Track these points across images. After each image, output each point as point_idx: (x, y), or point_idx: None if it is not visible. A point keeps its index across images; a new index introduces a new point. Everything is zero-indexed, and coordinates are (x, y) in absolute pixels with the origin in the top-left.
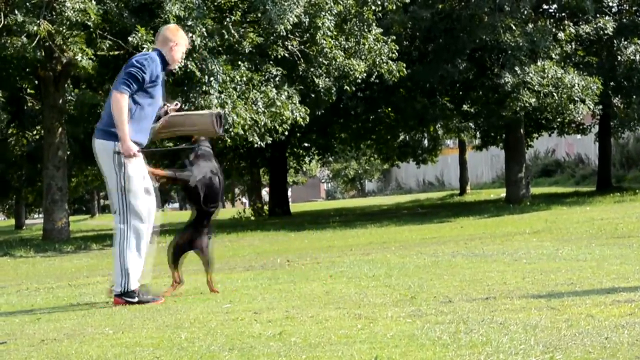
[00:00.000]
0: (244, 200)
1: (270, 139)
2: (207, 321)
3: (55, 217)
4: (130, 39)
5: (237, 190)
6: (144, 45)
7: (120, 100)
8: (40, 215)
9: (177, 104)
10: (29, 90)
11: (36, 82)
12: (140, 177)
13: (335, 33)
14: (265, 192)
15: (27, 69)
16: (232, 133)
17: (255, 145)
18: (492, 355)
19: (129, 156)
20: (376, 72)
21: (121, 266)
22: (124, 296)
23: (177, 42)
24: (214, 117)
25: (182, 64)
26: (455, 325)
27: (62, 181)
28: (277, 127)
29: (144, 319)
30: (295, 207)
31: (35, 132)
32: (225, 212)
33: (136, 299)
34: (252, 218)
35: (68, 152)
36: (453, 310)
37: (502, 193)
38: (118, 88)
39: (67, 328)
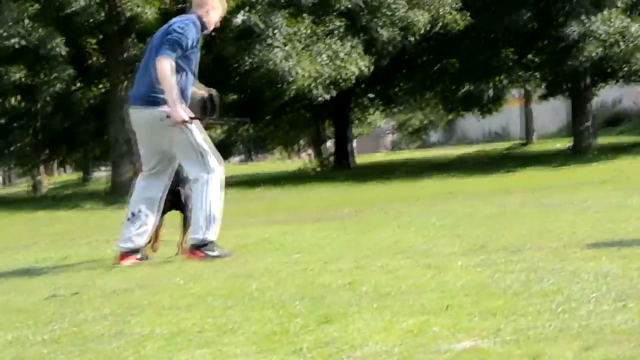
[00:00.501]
0: (309, 152)
1: (335, 92)
2: (276, 271)
3: (121, 170)
4: None
5: (301, 142)
6: None
7: (167, 66)
8: (107, 168)
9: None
10: (93, 46)
11: (100, 37)
12: (203, 134)
13: None
14: (330, 144)
15: (91, 25)
16: (298, 87)
17: (319, 99)
18: (563, 304)
19: (178, 123)
20: (440, 23)
21: (206, 213)
22: (204, 247)
23: (214, 5)
24: (202, 104)
25: (246, 17)
26: (526, 274)
27: (128, 135)
28: (341, 79)
29: (214, 269)
30: (360, 159)
31: (101, 87)
32: (290, 164)
33: (216, 252)
34: (318, 170)
35: None
36: (523, 259)
37: (567, 143)
38: (163, 54)
39: (138, 278)
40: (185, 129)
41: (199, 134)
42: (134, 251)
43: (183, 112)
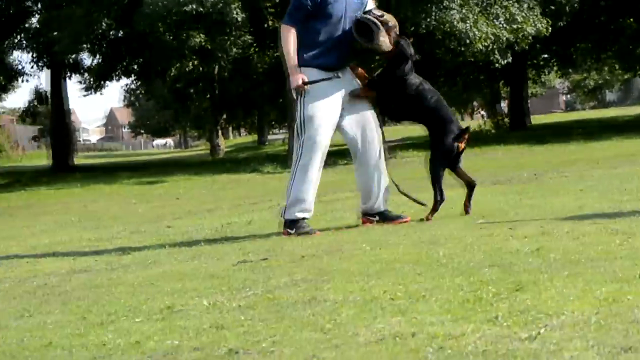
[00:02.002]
0: (482, 113)
1: (511, 57)
2: (462, 237)
3: None
4: None
5: (475, 104)
6: None
7: (284, 32)
8: (282, 132)
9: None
10: (270, 10)
11: (277, 0)
12: (323, 105)
13: None
14: (503, 105)
15: None
16: (474, 49)
17: (497, 65)
18: None
19: (295, 87)
20: None
21: (288, 190)
22: (285, 226)
23: None
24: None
25: None
26: None
27: None
28: (518, 42)
29: (399, 235)
30: (534, 119)
31: (276, 51)
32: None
33: (294, 231)
34: (492, 131)
35: None
36: None
37: None
38: (283, 20)
39: (325, 244)
40: (299, 98)
41: (309, 107)
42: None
43: (298, 78)
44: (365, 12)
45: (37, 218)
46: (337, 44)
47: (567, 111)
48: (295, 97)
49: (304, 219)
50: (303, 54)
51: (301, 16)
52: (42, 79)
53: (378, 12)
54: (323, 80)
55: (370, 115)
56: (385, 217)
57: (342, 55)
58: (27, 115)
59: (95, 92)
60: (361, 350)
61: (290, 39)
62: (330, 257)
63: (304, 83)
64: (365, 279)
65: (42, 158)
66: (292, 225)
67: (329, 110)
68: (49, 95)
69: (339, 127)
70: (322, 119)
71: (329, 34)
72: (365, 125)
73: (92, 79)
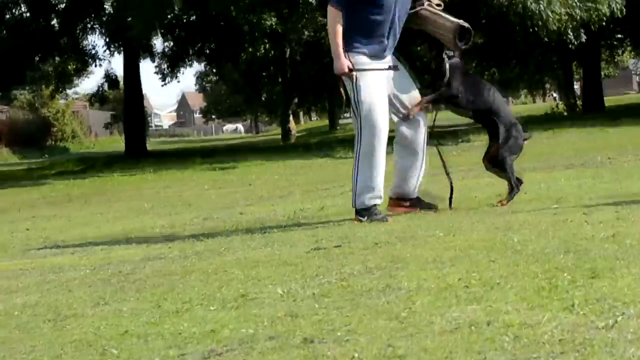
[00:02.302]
0: (555, 94)
1: (585, 37)
2: (536, 223)
3: None
4: None
5: (547, 85)
6: None
7: (331, 15)
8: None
9: (439, 3)
10: None
11: None
12: (375, 89)
13: None
14: (576, 86)
15: None
16: (548, 29)
17: (570, 46)
18: None
19: (340, 73)
20: None
21: (353, 178)
22: (356, 213)
23: None
24: (457, 29)
25: None
26: None
27: None
28: (593, 21)
29: (472, 221)
30: (607, 101)
31: None
32: (537, 107)
33: (365, 218)
34: (565, 114)
35: None
36: None
37: None
38: (330, 1)
39: (398, 231)
40: (348, 82)
41: (368, 91)
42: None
43: (344, 63)
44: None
45: (110, 204)
46: (387, 33)
47: None
48: (342, 81)
49: (374, 205)
50: (352, 38)
51: (347, 1)
52: (112, 64)
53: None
54: (372, 70)
55: (416, 99)
56: (418, 203)
57: (391, 45)
58: (97, 99)
59: (171, 80)
60: (437, 339)
61: (337, 22)
62: (404, 244)
63: (350, 70)
64: (439, 266)
65: (114, 144)
66: (365, 213)
67: (382, 92)
68: (119, 80)
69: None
70: (377, 101)
71: (379, 21)
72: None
73: (167, 65)
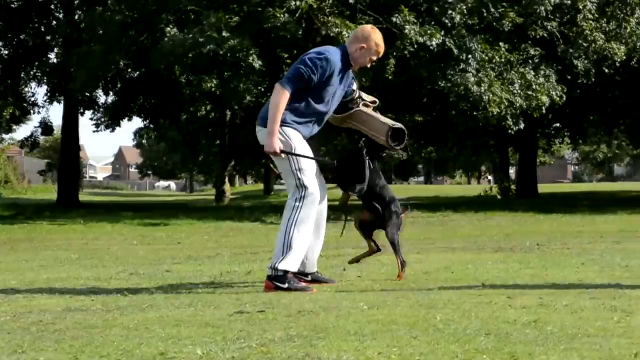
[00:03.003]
0: (489, 177)
1: (523, 125)
2: (460, 303)
3: None
4: (393, 19)
5: (483, 168)
6: (405, 26)
7: (279, 95)
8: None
9: (374, 100)
10: (287, 60)
11: (294, 52)
12: (309, 161)
13: (596, 15)
14: (512, 171)
15: (289, 41)
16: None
17: (509, 131)
18: None
19: (270, 152)
20: (636, 57)
21: (284, 240)
22: (274, 280)
23: (367, 45)
24: (390, 131)
25: (441, 41)
26: None
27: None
28: (532, 110)
29: (397, 296)
30: (541, 188)
31: None
32: (471, 189)
33: (286, 285)
34: (499, 197)
35: None
36: None
37: None
38: (282, 82)
39: (323, 300)
40: (285, 156)
41: (301, 161)
42: None
43: (276, 144)
44: (348, 97)
45: (37, 252)
46: (320, 120)
47: (574, 182)
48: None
49: (302, 273)
50: (290, 116)
51: (302, 86)
52: (50, 111)
53: (369, 98)
54: (308, 157)
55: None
56: (316, 279)
57: (320, 130)
58: (28, 144)
59: (106, 129)
60: None
61: (282, 102)
62: (327, 314)
63: (281, 151)
64: (361, 339)
65: (47, 192)
66: (284, 278)
67: (314, 164)
68: (54, 127)
69: None
70: (313, 172)
71: (318, 111)
72: (323, 183)
73: (106, 117)
